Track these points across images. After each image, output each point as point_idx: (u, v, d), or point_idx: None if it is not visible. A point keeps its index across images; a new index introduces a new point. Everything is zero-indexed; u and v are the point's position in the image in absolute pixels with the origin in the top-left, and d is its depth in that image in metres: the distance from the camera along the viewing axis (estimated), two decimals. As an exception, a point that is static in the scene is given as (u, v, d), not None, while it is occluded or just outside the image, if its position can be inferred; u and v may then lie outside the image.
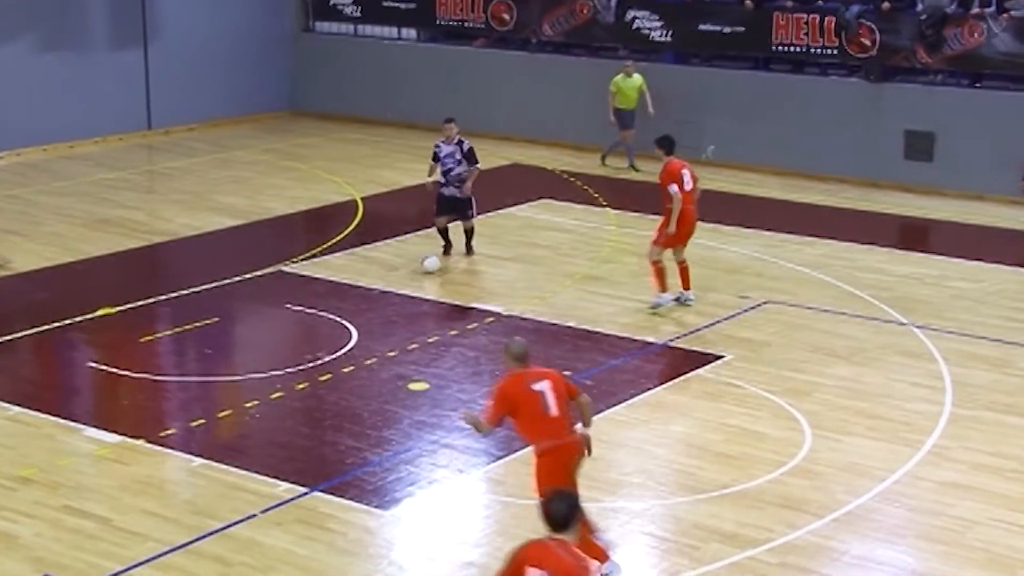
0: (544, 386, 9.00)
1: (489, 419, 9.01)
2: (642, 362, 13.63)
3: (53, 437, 11.67)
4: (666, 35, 23.18)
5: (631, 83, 22.02)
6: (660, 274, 14.98)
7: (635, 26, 23.41)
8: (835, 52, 21.75)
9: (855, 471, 11.14)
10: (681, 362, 13.59)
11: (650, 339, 14.22)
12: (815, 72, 22.35)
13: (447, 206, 16.91)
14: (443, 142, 16.93)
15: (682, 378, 13.17)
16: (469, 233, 17.08)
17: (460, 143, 16.85)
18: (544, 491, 6.76)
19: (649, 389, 12.87)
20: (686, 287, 15.20)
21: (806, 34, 21.90)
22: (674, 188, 14.68)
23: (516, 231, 18.54)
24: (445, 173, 16.87)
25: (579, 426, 9.16)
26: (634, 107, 21.92)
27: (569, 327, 14.66)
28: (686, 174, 14.80)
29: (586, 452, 9.15)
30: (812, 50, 21.93)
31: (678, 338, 14.24)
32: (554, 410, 8.94)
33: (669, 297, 15.04)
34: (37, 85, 22.86)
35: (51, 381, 13.59)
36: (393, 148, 23.84)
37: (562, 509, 6.80)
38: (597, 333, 14.46)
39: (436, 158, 16.95)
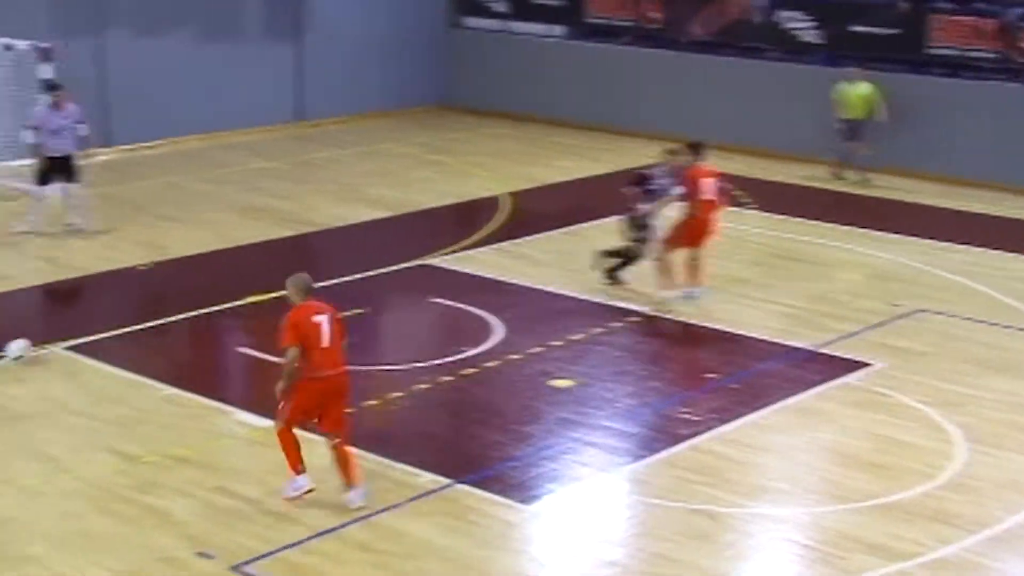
0: (323, 319, 10.13)
1: (289, 342, 10.10)
2: (789, 367, 13.43)
3: (206, 419, 11.94)
4: (818, 36, 22.82)
5: (854, 91, 21.12)
6: (666, 271, 15.05)
7: (786, 26, 23.09)
8: (996, 56, 21.18)
9: (1013, 488, 10.82)
10: (829, 369, 13.36)
11: (797, 344, 14.01)
12: (973, 76, 21.79)
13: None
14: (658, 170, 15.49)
15: (830, 385, 12.95)
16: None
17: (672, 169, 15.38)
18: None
19: (796, 395, 12.68)
20: (696, 283, 15.14)
21: (965, 37, 21.37)
22: (679, 189, 14.98)
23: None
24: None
25: None
26: (861, 117, 21.04)
27: (715, 329, 14.52)
28: (710, 183, 14.90)
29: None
30: (971, 53, 21.40)
31: (826, 344, 14.01)
32: (327, 341, 10.08)
33: (683, 292, 15.02)
34: (197, 76, 23.43)
35: (204, 364, 13.90)
36: (541, 144, 23.90)
37: None
38: (743, 336, 14.30)
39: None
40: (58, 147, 17.51)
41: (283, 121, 24.80)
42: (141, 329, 14.18)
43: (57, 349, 13.46)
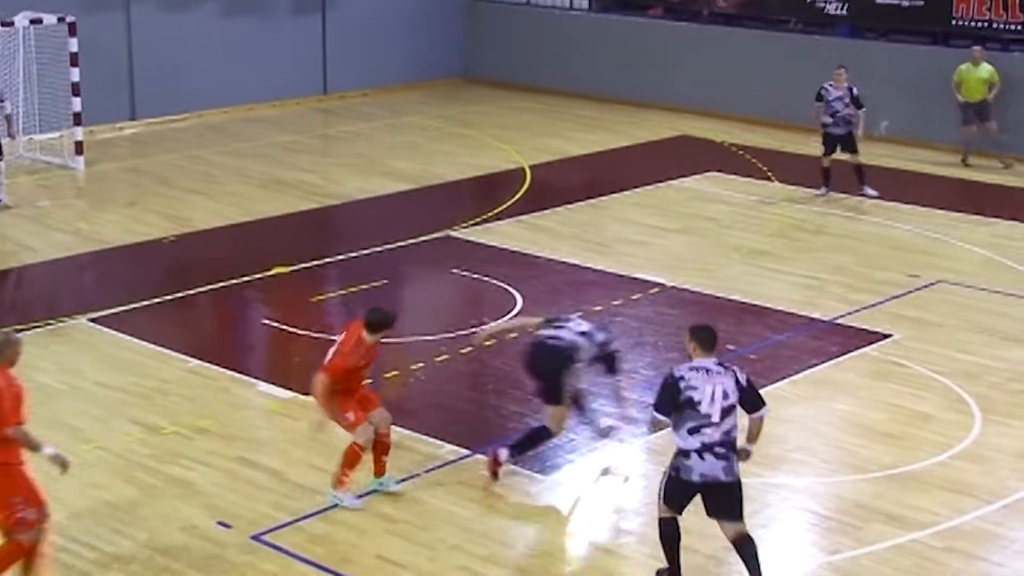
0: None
1: None
2: (807, 338, 13.42)
3: (229, 390, 12.01)
4: (841, 8, 22.66)
5: (977, 73, 20.31)
6: None
7: (810, -1, 22.96)
8: (1021, 28, 20.98)
9: (1027, 458, 10.81)
10: (847, 340, 13.34)
11: (815, 315, 13.99)
12: (997, 48, 21.57)
13: (832, 145, 18.32)
14: (831, 86, 18.24)
15: (847, 356, 12.93)
16: (859, 168, 18.38)
17: (850, 88, 18.10)
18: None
19: (814, 366, 12.68)
20: None
21: (989, 8, 21.19)
22: None
23: (683, 203, 18.39)
24: (833, 114, 18.16)
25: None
26: (981, 99, 20.28)
27: (733, 300, 14.50)
28: None
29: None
30: (995, 25, 21.21)
31: (844, 315, 13.98)
32: None
33: None
34: (219, 49, 23.43)
35: (227, 336, 13.98)
36: (562, 117, 23.85)
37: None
38: (762, 307, 14.27)
39: (820, 98, 18.29)
40: None
41: (307, 94, 24.80)
42: (165, 301, 14.26)
43: (81, 321, 13.55)
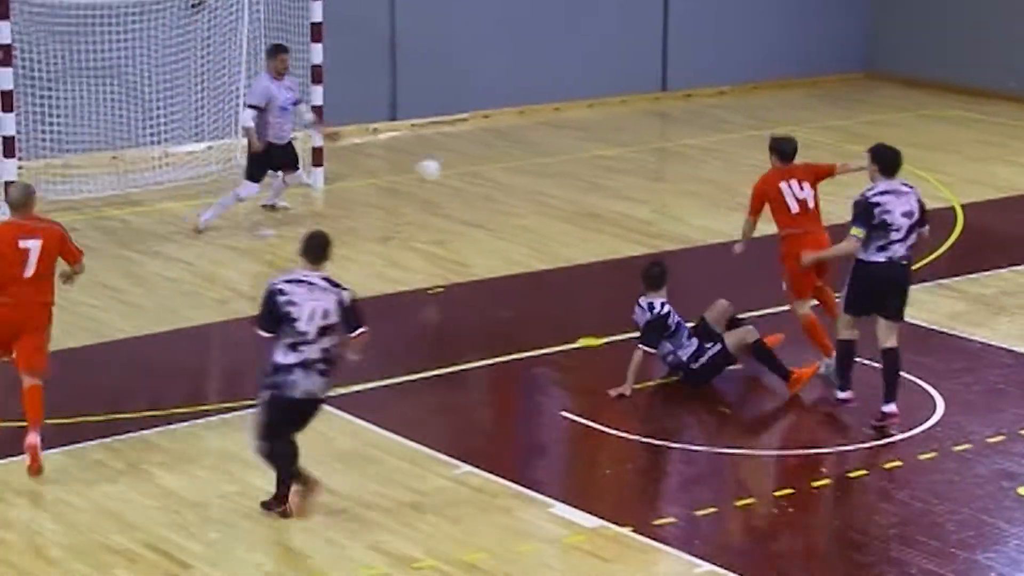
0: (33, 244, 11.79)
1: None
2: None
3: (510, 512, 12.07)
4: None
5: None
6: None
7: None
8: None
9: None
10: None
11: None
12: None
13: None
14: None
15: None
16: None
17: None
18: None
19: None
20: None
21: None
22: None
23: None
24: None
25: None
26: None
27: None
28: None
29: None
30: None
31: None
32: (29, 271, 11.81)
33: None
34: (513, 28, 23.98)
35: (511, 433, 14.11)
36: (1015, 134, 23.61)
37: None
38: None
39: None
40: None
41: (638, 91, 25.09)
42: (426, 379, 14.53)
43: (310, 400, 13.89)
